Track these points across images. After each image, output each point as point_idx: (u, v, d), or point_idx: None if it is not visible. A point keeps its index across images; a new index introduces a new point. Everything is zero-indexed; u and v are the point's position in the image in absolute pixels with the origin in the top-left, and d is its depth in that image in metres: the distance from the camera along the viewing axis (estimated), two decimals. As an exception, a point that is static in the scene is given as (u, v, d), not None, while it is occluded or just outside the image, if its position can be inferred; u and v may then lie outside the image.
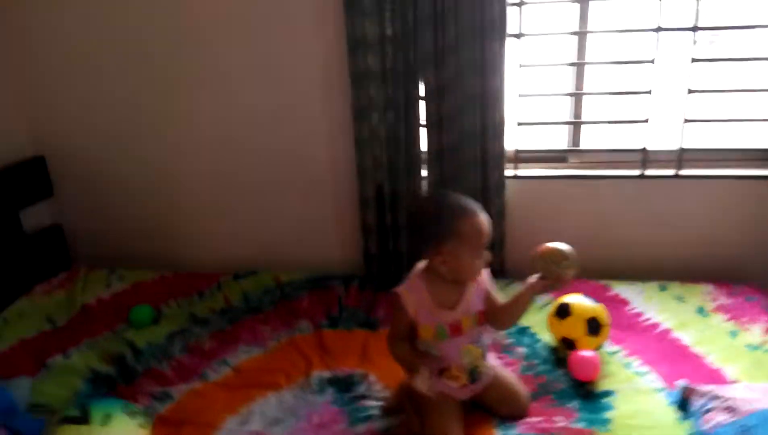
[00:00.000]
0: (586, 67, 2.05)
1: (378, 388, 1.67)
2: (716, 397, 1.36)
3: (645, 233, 2.14)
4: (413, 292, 1.43)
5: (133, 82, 2.21)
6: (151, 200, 2.38)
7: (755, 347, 1.68)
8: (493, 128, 1.97)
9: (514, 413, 1.50)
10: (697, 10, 1.85)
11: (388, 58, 1.93)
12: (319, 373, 1.73)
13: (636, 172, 2.08)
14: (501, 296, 1.49)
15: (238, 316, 2.06)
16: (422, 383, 1.37)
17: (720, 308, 1.88)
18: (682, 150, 2.02)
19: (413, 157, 2.06)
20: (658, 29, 1.89)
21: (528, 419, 1.49)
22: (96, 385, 1.72)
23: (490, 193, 2.05)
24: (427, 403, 1.43)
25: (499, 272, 2.09)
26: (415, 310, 1.42)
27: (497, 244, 2.12)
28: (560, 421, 1.46)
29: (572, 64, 2.06)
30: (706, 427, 1.33)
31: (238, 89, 2.16)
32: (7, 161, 2.21)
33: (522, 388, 1.55)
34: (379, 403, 1.60)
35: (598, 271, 2.03)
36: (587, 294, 1.79)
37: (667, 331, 1.80)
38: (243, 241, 2.39)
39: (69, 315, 2.05)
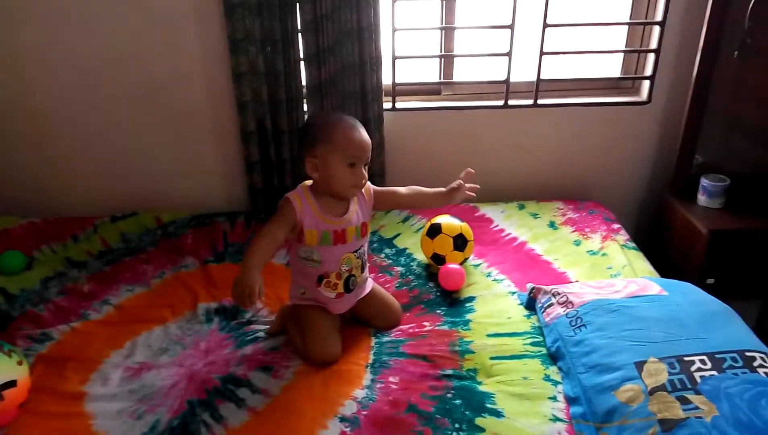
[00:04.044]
0: (456, 3, 2.15)
1: (264, 313, 1.75)
2: (556, 294, 1.59)
3: (508, 158, 2.35)
4: (301, 199, 1.50)
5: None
6: (12, 144, 2.22)
7: (594, 253, 1.96)
8: (371, 62, 2.03)
9: (388, 324, 1.66)
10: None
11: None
12: (206, 305, 1.78)
13: (500, 103, 2.26)
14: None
15: (117, 257, 2.03)
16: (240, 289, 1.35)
17: (567, 221, 2.14)
18: (540, 80, 2.22)
19: (294, 92, 2.08)
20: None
21: (400, 327, 1.66)
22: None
23: (371, 125, 2.13)
24: (307, 320, 1.54)
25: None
26: (300, 214, 1.48)
27: (378, 175, 2.24)
28: (428, 326, 1.65)
29: (442, 1, 2.15)
30: (546, 320, 1.57)
31: (106, 22, 2.04)
32: None
33: (394, 301, 1.71)
34: (266, 328, 1.68)
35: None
36: (457, 215, 1.97)
37: (523, 244, 2.04)
38: (119, 183, 2.32)
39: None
